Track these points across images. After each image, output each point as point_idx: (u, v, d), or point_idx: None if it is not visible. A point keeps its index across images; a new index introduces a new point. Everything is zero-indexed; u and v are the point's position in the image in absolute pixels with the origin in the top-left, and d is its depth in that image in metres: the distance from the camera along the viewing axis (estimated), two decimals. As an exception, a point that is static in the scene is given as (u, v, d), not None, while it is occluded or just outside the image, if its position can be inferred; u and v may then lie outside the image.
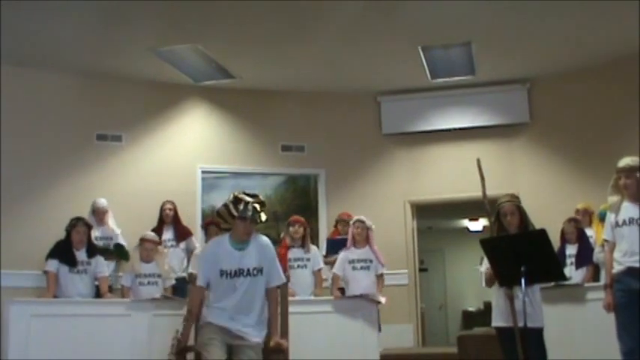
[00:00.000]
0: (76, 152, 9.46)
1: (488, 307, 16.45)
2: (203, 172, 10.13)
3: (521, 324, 4.88)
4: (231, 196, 5.31)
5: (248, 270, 5.22)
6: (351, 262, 7.53)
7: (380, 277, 7.55)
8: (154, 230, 8.44)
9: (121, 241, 8.57)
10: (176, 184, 9.70)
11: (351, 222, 7.77)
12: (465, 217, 16.24)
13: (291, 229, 7.72)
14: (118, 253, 8.27)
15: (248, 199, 5.20)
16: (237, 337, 5.16)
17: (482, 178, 5.30)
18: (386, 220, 10.09)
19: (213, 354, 4.99)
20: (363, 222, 7.63)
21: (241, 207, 5.15)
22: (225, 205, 5.26)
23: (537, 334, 5.11)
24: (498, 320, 5.24)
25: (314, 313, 6.89)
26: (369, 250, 7.58)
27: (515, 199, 5.36)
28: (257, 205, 5.19)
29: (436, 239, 16.56)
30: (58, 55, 9.00)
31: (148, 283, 7.49)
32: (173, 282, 7.80)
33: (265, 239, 5.41)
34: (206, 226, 8.18)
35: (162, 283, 7.55)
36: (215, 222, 7.45)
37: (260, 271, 5.26)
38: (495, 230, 5.31)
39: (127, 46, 8.77)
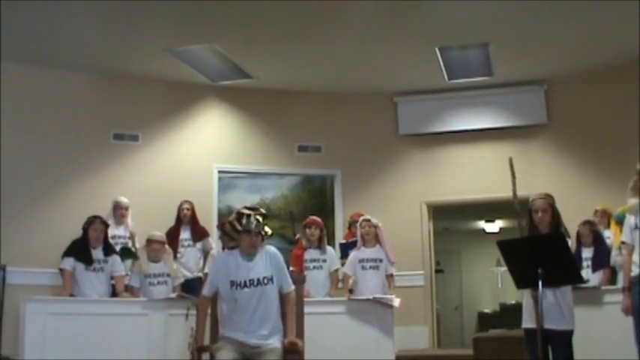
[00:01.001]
0: (92, 151, 9.50)
1: (504, 309, 16.61)
2: (219, 172, 10.14)
3: (547, 326, 4.92)
4: (234, 213, 5.46)
5: (258, 280, 5.29)
6: (361, 261, 7.52)
7: (390, 277, 7.53)
8: (171, 229, 8.49)
9: (137, 242, 8.59)
10: (192, 184, 9.73)
11: (358, 223, 7.77)
12: (481, 219, 16.20)
13: (307, 230, 7.70)
14: (126, 255, 8.16)
15: (249, 212, 5.34)
16: (255, 347, 5.20)
17: (514, 177, 5.28)
18: (402, 221, 10.10)
19: (223, 355, 5.04)
20: (368, 220, 7.63)
21: (244, 221, 5.28)
22: (230, 222, 5.40)
23: (565, 336, 5.14)
24: (527, 322, 5.23)
25: (329, 313, 6.87)
26: (379, 250, 7.56)
27: (548, 197, 5.35)
28: (259, 217, 5.31)
29: (452, 241, 16.52)
30: (75, 55, 9.04)
31: (158, 283, 7.50)
32: (182, 280, 7.82)
33: (273, 249, 5.49)
34: (222, 227, 8.12)
35: (171, 282, 7.57)
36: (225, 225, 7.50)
37: (270, 279, 5.33)
38: (527, 229, 5.33)
39: (143, 46, 8.80)
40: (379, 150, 10.57)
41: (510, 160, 5.39)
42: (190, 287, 7.87)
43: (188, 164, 9.96)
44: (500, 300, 17.05)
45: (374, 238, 7.58)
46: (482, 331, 15.09)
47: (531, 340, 5.08)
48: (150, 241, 7.65)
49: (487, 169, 9.98)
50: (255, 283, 5.27)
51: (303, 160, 10.50)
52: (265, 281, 5.29)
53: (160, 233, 7.89)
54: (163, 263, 7.62)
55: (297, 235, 8.21)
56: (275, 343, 5.24)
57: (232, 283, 5.26)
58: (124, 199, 8.67)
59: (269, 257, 5.38)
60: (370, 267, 7.49)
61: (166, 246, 7.87)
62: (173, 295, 7.09)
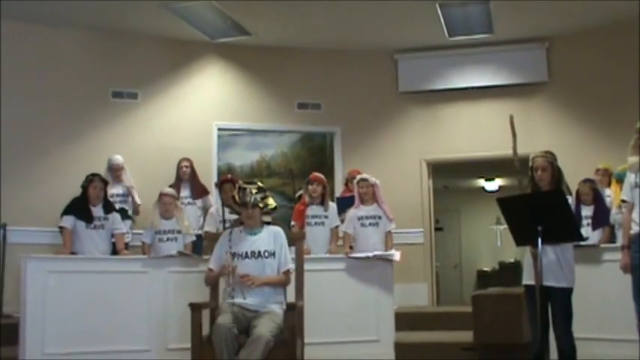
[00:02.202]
0: (91, 109, 9.48)
1: (503, 267, 16.66)
2: (219, 129, 10.12)
3: (547, 283, 4.97)
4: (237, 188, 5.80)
5: (259, 252, 5.54)
6: (360, 218, 7.54)
7: (388, 234, 7.55)
8: (170, 187, 8.46)
9: (137, 197, 8.61)
10: (192, 142, 9.72)
11: (355, 181, 7.76)
12: (480, 177, 16.20)
13: (310, 187, 7.68)
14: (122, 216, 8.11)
15: (246, 186, 5.66)
16: (253, 310, 5.36)
17: (514, 135, 5.26)
18: (402, 179, 10.10)
19: (222, 319, 5.17)
20: (366, 180, 7.62)
21: (241, 194, 5.60)
22: (232, 197, 5.76)
23: (565, 293, 5.16)
24: (528, 278, 5.25)
25: (329, 270, 6.88)
26: (377, 207, 7.57)
27: (549, 155, 5.34)
28: (254, 190, 5.60)
29: (452, 199, 16.54)
30: (73, 12, 8.95)
31: (168, 239, 7.49)
32: (193, 238, 7.81)
33: (278, 228, 5.75)
34: (221, 185, 8.09)
35: (182, 239, 7.54)
36: (232, 180, 7.51)
37: (272, 254, 5.57)
38: (530, 187, 5.34)
39: (142, 3, 8.72)
40: (379, 107, 10.53)
41: (511, 118, 5.37)
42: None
43: (187, 122, 9.94)
44: (500, 258, 17.12)
45: (372, 197, 7.59)
46: (481, 288, 15.15)
47: (531, 296, 5.10)
48: (162, 195, 7.64)
49: (487, 127, 9.95)
50: (257, 254, 5.52)
51: (303, 117, 10.47)
52: (266, 254, 5.55)
53: (171, 189, 7.91)
54: (175, 220, 7.62)
55: (298, 193, 8.21)
56: (274, 307, 5.42)
57: (234, 255, 5.48)
58: (118, 158, 8.67)
59: (273, 234, 5.65)
60: (370, 224, 7.51)
61: (178, 202, 7.89)
62: (173, 253, 7.10)
